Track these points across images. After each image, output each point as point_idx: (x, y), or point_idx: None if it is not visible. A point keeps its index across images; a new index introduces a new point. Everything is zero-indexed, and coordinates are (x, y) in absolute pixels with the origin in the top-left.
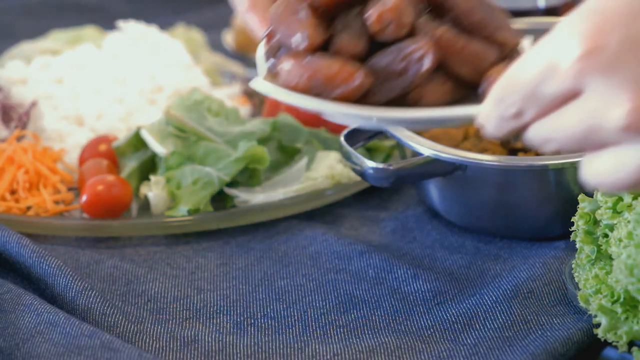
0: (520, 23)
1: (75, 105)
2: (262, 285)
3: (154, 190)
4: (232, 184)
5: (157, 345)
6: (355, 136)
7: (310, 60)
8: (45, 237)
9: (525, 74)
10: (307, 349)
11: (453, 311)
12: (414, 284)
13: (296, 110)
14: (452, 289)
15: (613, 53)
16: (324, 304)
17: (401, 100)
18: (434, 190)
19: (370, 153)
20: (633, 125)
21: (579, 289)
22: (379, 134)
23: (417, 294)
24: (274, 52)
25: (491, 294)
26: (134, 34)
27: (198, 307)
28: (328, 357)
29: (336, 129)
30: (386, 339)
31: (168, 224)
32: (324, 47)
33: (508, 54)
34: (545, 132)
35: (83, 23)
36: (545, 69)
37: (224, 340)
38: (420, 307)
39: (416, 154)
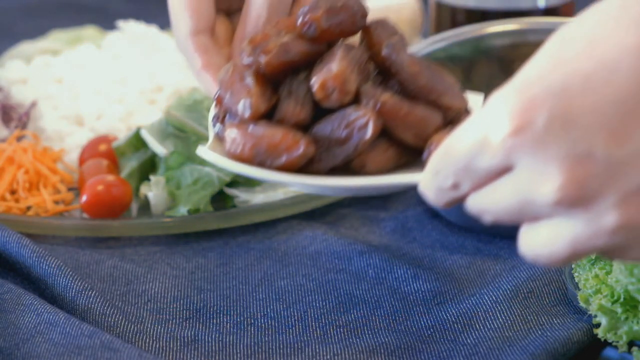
0: (520, 23)
1: (75, 105)
2: (262, 285)
3: (154, 190)
4: (232, 183)
5: (157, 345)
6: None
7: (253, 129)
8: (45, 237)
9: (459, 147)
10: (307, 349)
11: (453, 311)
12: (414, 284)
13: None
14: (452, 289)
15: (542, 129)
16: (324, 304)
17: (345, 167)
18: None
19: None
20: (563, 200)
21: (579, 289)
22: None
23: (417, 294)
24: (222, 117)
25: (491, 294)
26: (134, 34)
27: (198, 307)
28: (328, 357)
29: None
30: (386, 339)
31: (168, 224)
32: (270, 113)
33: (453, 118)
34: (481, 204)
35: (83, 23)
36: (478, 143)
37: (224, 340)
38: (420, 307)
39: None
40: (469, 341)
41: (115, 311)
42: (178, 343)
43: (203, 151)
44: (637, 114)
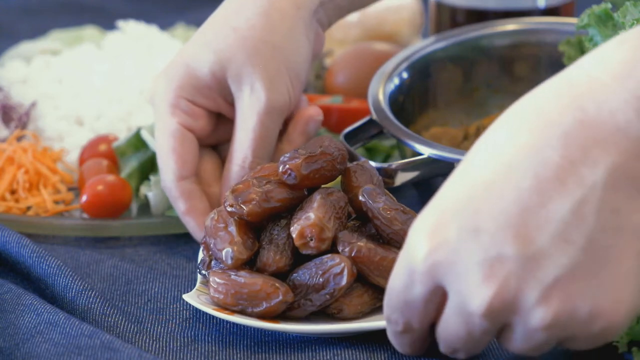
0: (520, 23)
1: (75, 105)
2: None
3: (154, 190)
4: None
5: (157, 345)
6: (355, 136)
7: (235, 277)
8: (45, 237)
9: (394, 287)
10: (307, 349)
11: None
12: None
13: None
14: None
15: (455, 242)
16: None
17: (323, 312)
18: (433, 190)
19: (370, 153)
20: (491, 308)
21: None
22: (379, 134)
23: None
24: (209, 262)
25: None
26: (134, 34)
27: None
28: (328, 357)
29: (336, 129)
30: (386, 339)
31: (168, 224)
32: (252, 259)
33: None
34: (446, 344)
35: (83, 23)
36: (406, 276)
37: (224, 340)
38: None
39: (416, 154)
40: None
41: (115, 311)
42: (178, 343)
43: (189, 297)
44: (537, 208)
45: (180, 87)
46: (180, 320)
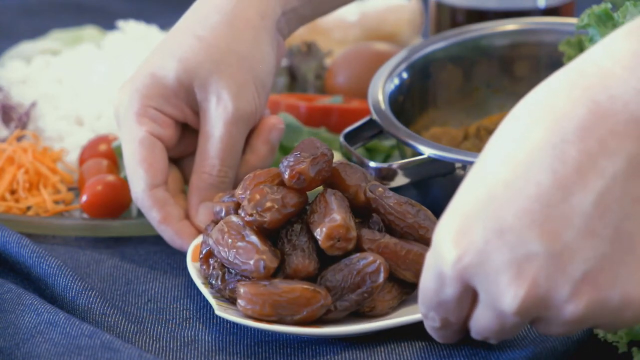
0: (520, 23)
1: (75, 105)
2: None
3: None
4: None
5: (157, 345)
6: (355, 136)
7: (270, 287)
8: (45, 237)
9: (425, 290)
10: (307, 349)
11: None
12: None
13: (296, 110)
14: None
15: (481, 244)
16: None
17: (355, 312)
18: (434, 190)
19: (370, 153)
20: (523, 307)
21: None
22: (379, 134)
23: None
24: (222, 275)
25: None
26: (134, 34)
27: (198, 307)
28: (328, 357)
29: (336, 129)
30: (386, 338)
31: None
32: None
33: None
34: (478, 333)
35: (83, 23)
36: (436, 280)
37: (224, 340)
38: None
39: (416, 154)
40: (469, 340)
41: (115, 311)
42: (178, 343)
43: (223, 314)
44: (560, 203)
45: (148, 96)
46: (180, 320)
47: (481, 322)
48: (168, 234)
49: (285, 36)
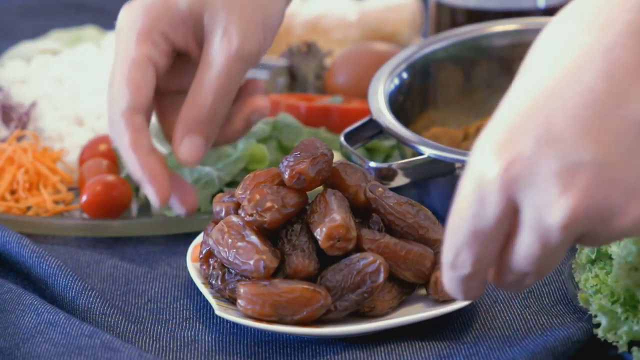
0: (520, 23)
1: (75, 105)
2: None
3: None
4: (232, 183)
5: (157, 345)
6: (355, 136)
7: (270, 287)
8: (45, 237)
9: (460, 219)
10: (307, 349)
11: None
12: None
13: (296, 110)
14: None
15: (531, 153)
16: None
17: (355, 312)
18: (434, 190)
19: (370, 153)
20: (573, 219)
21: (579, 289)
22: (379, 134)
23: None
24: (222, 276)
25: (490, 293)
26: None
27: (198, 307)
28: (328, 357)
29: (336, 129)
30: (385, 338)
31: (168, 224)
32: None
33: (439, 250)
34: (512, 268)
35: (83, 23)
36: (475, 201)
37: (224, 340)
38: None
39: (416, 154)
40: (469, 340)
41: (115, 311)
42: (178, 343)
43: (224, 314)
44: (615, 110)
45: (156, 18)
46: (180, 320)
47: (522, 249)
48: (133, 162)
49: None
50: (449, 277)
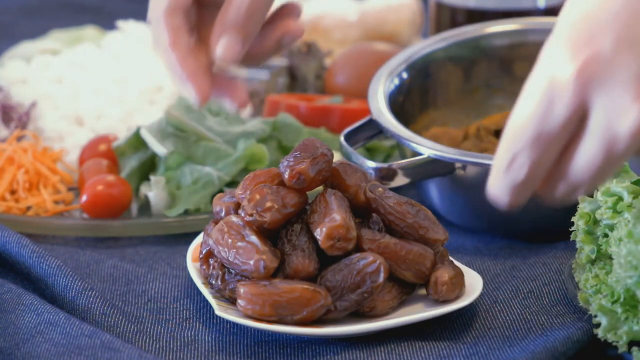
0: (520, 23)
1: (75, 105)
2: None
3: (154, 190)
4: (232, 183)
5: (157, 345)
6: (355, 136)
7: (270, 287)
8: (45, 237)
9: (526, 119)
10: (307, 349)
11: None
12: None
13: (296, 110)
14: None
15: (610, 56)
16: None
17: (355, 312)
18: (434, 190)
19: (370, 153)
20: None
21: (579, 289)
22: (379, 134)
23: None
24: (222, 276)
25: (490, 293)
26: (134, 34)
27: (198, 307)
28: (328, 357)
29: (336, 129)
30: (385, 338)
31: (168, 224)
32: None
33: (438, 250)
34: (570, 175)
35: (83, 23)
36: (544, 99)
37: (224, 340)
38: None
39: (416, 154)
40: (468, 340)
41: (115, 311)
42: (178, 343)
43: (224, 314)
44: None
45: None
46: (180, 320)
47: (584, 156)
48: (172, 61)
49: None
50: (500, 182)
